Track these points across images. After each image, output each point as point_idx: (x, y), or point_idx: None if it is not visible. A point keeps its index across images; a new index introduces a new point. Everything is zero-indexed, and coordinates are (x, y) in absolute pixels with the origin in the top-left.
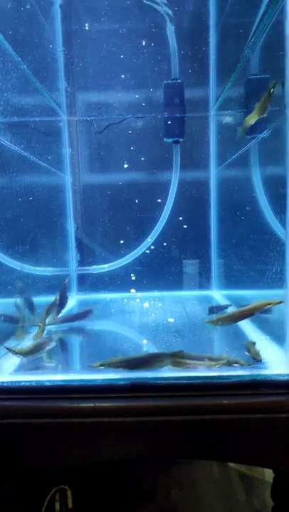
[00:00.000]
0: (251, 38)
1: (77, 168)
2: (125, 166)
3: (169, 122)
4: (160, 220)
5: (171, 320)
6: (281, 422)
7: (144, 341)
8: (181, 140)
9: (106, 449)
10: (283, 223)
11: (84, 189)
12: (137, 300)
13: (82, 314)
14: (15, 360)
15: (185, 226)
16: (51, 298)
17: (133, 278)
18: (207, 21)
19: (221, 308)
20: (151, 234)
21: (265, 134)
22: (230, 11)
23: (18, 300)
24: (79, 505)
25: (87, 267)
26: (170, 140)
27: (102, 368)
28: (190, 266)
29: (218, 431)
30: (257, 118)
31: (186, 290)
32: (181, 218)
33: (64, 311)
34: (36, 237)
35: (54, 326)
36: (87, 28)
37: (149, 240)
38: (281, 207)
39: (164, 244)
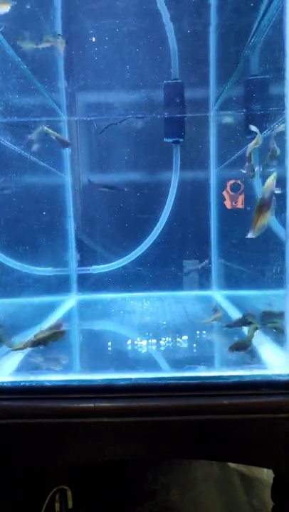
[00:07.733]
0: (251, 38)
1: (77, 168)
2: (125, 166)
3: (169, 122)
4: (160, 220)
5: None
6: (281, 422)
7: (144, 342)
8: (181, 140)
9: (106, 449)
10: (283, 223)
11: (84, 189)
12: (134, 301)
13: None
14: (15, 360)
15: (185, 226)
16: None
17: (133, 278)
18: (207, 21)
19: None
20: (152, 234)
21: (265, 134)
22: (231, 11)
23: None
24: (79, 505)
25: (87, 267)
26: (170, 140)
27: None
28: (190, 266)
29: (218, 431)
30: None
31: (186, 290)
32: (180, 219)
33: (63, 312)
34: (36, 237)
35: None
36: (87, 27)
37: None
38: (281, 207)
39: (164, 244)
